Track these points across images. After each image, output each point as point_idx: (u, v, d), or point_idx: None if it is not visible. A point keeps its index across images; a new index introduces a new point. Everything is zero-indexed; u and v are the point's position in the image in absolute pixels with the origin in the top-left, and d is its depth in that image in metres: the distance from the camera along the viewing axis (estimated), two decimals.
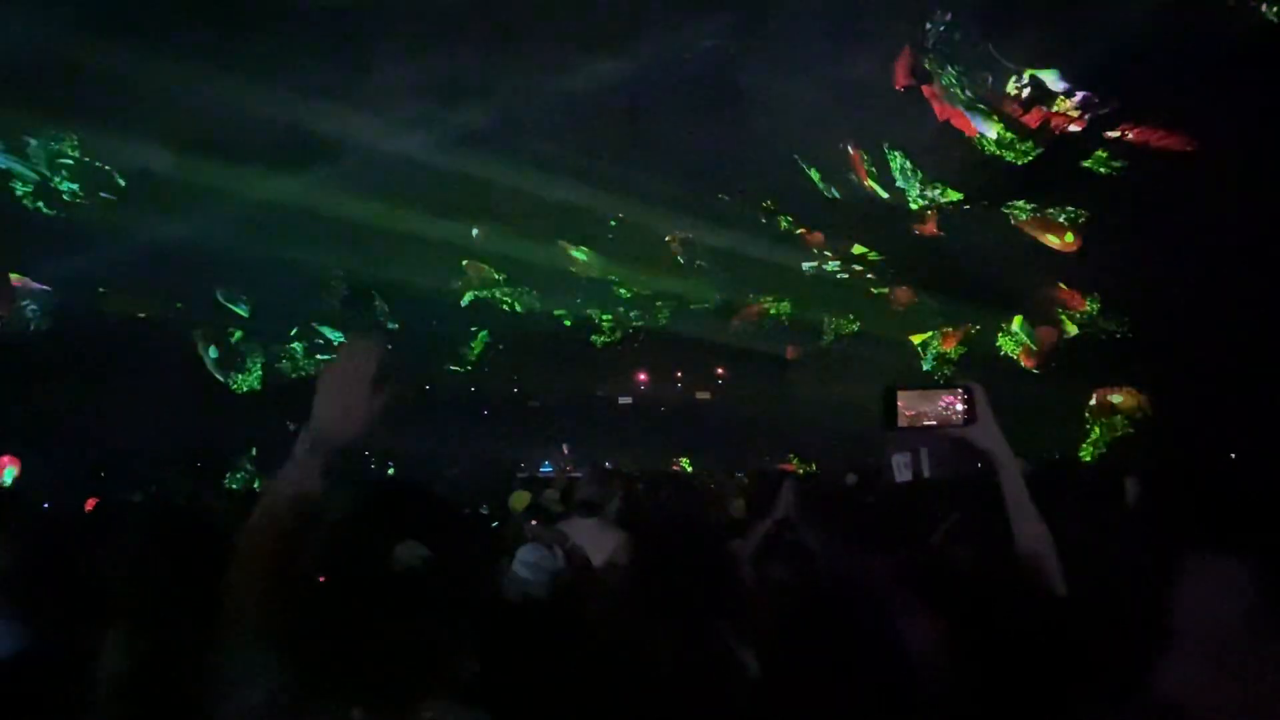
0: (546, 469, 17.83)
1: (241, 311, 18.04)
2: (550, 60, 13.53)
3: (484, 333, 20.18)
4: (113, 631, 2.74)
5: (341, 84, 13.00)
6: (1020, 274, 15.85)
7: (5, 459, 12.19)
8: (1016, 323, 17.47)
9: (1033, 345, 17.25)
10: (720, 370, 21.86)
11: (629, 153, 15.36)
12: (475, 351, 20.41)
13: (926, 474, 2.26)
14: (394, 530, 1.77)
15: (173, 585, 2.81)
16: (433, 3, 12.33)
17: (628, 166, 15.66)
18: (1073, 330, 16.59)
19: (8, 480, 11.73)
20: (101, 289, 16.35)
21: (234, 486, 15.95)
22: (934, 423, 2.37)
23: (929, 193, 15.88)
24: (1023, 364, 17.27)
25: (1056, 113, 14.11)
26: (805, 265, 18.71)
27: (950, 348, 18.08)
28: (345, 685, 1.69)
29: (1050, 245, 15.72)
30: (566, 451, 19.71)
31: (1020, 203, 15.78)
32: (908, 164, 15.52)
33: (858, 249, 18.25)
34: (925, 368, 18.17)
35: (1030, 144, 14.28)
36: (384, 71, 13.17)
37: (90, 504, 8.48)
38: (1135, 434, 15.89)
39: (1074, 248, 15.61)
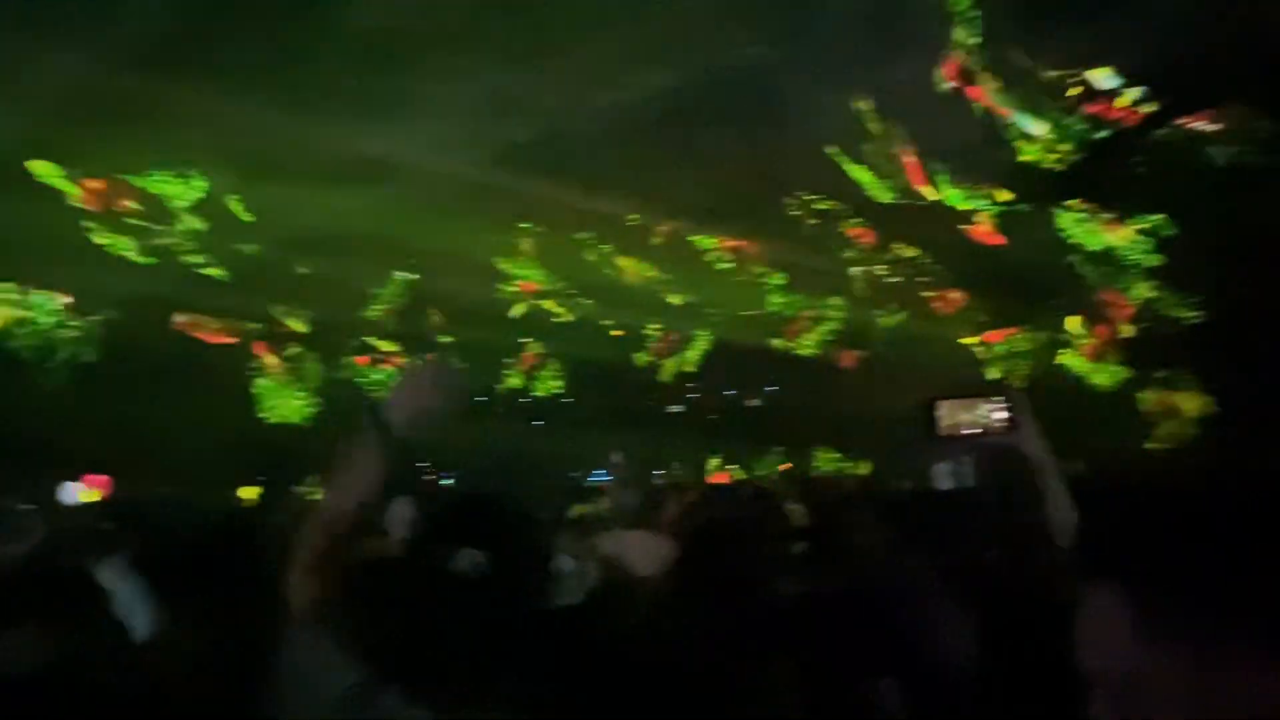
0: (598, 477, 17.89)
1: (300, 327, 18.42)
2: (593, 72, 13.64)
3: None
4: (184, 630, 2.85)
5: (389, 102, 13.23)
6: (1074, 276, 15.63)
7: (94, 478, 12.57)
8: (1072, 324, 17.21)
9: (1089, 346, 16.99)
10: (772, 377, 21.78)
11: (675, 162, 15.42)
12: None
13: (969, 482, 2.27)
14: (453, 538, 1.83)
15: (242, 587, 2.91)
16: (476, 21, 12.50)
17: (674, 175, 15.73)
18: (1129, 330, 16.29)
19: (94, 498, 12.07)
20: (173, 310, 16.82)
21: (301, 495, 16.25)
22: (976, 431, 2.39)
23: (978, 194, 15.75)
24: (1080, 366, 17.00)
25: (1109, 110, 13.93)
26: (855, 270, 18.62)
27: (999, 343, 17.82)
28: (409, 685, 1.75)
29: (1104, 245, 15.49)
30: (617, 460, 19.75)
31: (1074, 202, 15.58)
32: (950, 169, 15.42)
33: (909, 251, 18.13)
34: (990, 372, 17.94)
35: (1077, 144, 14.09)
36: (431, 89, 13.37)
37: (159, 511, 8.75)
38: (1199, 436, 15.54)
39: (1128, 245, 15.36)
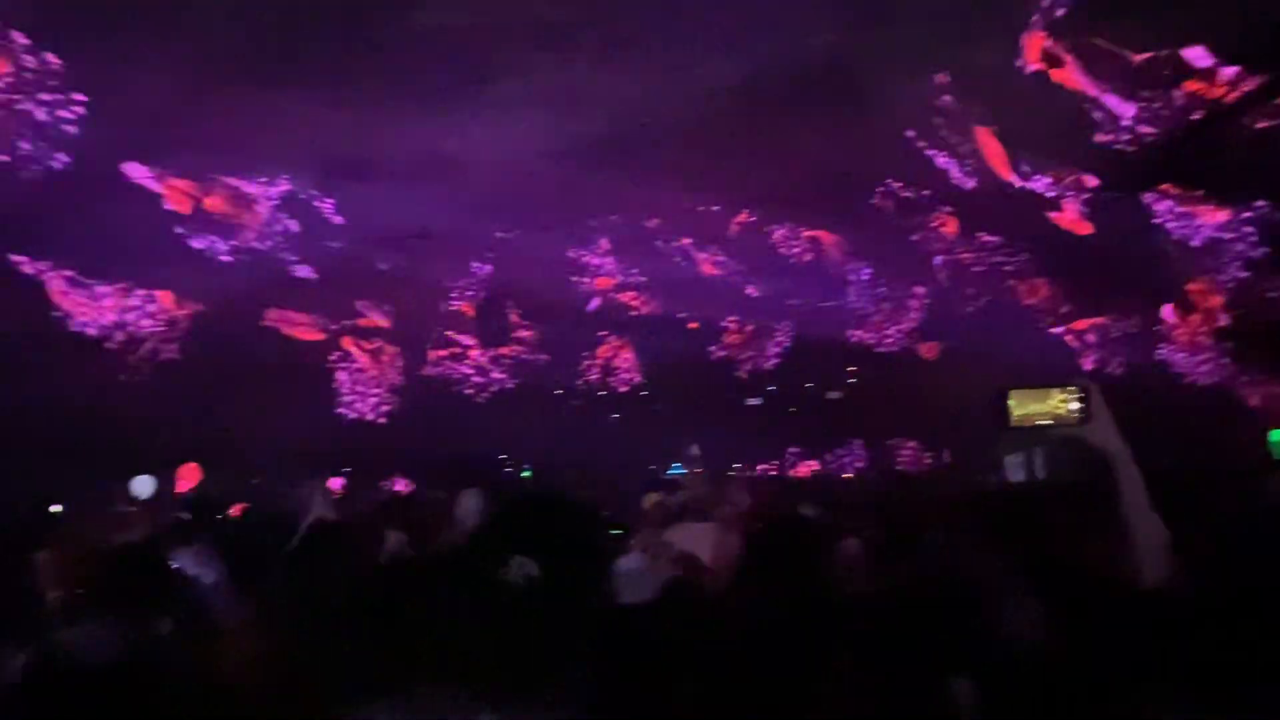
0: (676, 470, 17.91)
1: (382, 322, 18.80)
2: (669, 64, 13.60)
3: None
4: (248, 630, 2.91)
5: (465, 100, 13.38)
6: (1164, 263, 15.12)
7: (190, 467, 13.02)
8: (1166, 313, 16.67)
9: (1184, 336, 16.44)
10: (853, 369, 21.49)
11: (752, 151, 15.30)
12: None
13: (1039, 474, 2.21)
14: (508, 545, 1.82)
15: (311, 587, 2.96)
16: (546, 16, 12.57)
17: (751, 165, 15.61)
18: (1224, 320, 15.71)
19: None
20: (260, 306, 17.32)
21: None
22: (1048, 422, 2.33)
23: (1064, 179, 15.31)
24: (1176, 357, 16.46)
25: (1204, 89, 13.40)
26: (937, 259, 18.27)
27: (1087, 331, 17.34)
28: (471, 685, 1.75)
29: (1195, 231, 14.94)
30: (695, 453, 19.72)
31: (1166, 186, 15.05)
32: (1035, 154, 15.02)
33: (992, 239, 17.73)
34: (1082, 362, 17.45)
35: (1169, 126, 13.59)
36: (506, 85, 13.49)
37: (237, 509, 9.01)
38: None
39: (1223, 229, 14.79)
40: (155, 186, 15.04)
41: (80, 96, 13.31)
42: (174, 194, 15.28)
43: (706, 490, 5.69)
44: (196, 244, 15.68)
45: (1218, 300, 15.73)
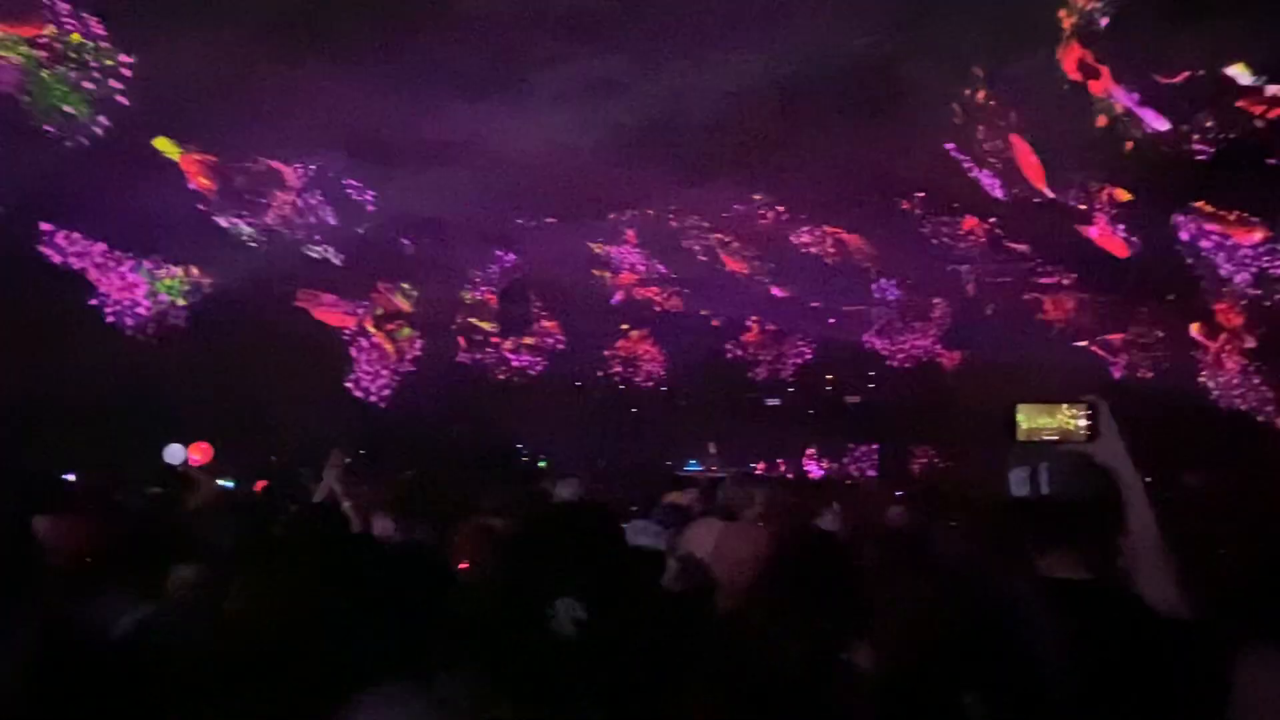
0: (693, 467, 17.93)
1: (404, 304, 18.87)
2: (702, 60, 13.57)
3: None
4: (260, 609, 2.93)
5: (496, 86, 13.41)
6: (1193, 282, 14.98)
7: (201, 444, 13.13)
8: (1195, 329, 16.53)
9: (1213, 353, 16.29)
10: (872, 373, 21.41)
11: (782, 151, 15.25)
12: None
13: (1045, 490, 2.20)
14: (555, 583, 1.75)
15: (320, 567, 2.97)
16: (583, 8, 12.57)
17: (781, 165, 15.56)
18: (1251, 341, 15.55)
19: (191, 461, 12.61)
20: (285, 286, 17.42)
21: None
22: (1055, 437, 2.32)
23: (1096, 192, 15.17)
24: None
25: (1244, 106, 13.23)
26: (964, 267, 18.16)
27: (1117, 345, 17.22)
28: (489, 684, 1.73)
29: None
30: (713, 451, 19.73)
31: (1199, 204, 14.88)
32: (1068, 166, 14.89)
33: (1021, 249, 17.59)
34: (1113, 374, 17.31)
35: (1205, 142, 13.43)
36: (538, 74, 13.51)
37: (259, 486, 9.09)
38: None
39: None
40: (183, 162, 15.17)
41: (126, 59, 13.41)
42: (201, 170, 15.40)
43: (728, 488, 5.69)
44: (222, 222, 15.81)
45: (1245, 320, 15.57)
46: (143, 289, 16.26)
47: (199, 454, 12.61)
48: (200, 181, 15.42)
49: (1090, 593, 2.23)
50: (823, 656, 2.55)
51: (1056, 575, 2.24)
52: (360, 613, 1.99)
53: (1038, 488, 2.21)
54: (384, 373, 18.70)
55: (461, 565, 4.21)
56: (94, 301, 16.00)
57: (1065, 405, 2.32)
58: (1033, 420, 2.34)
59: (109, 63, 13.48)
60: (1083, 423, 2.29)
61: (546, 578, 1.73)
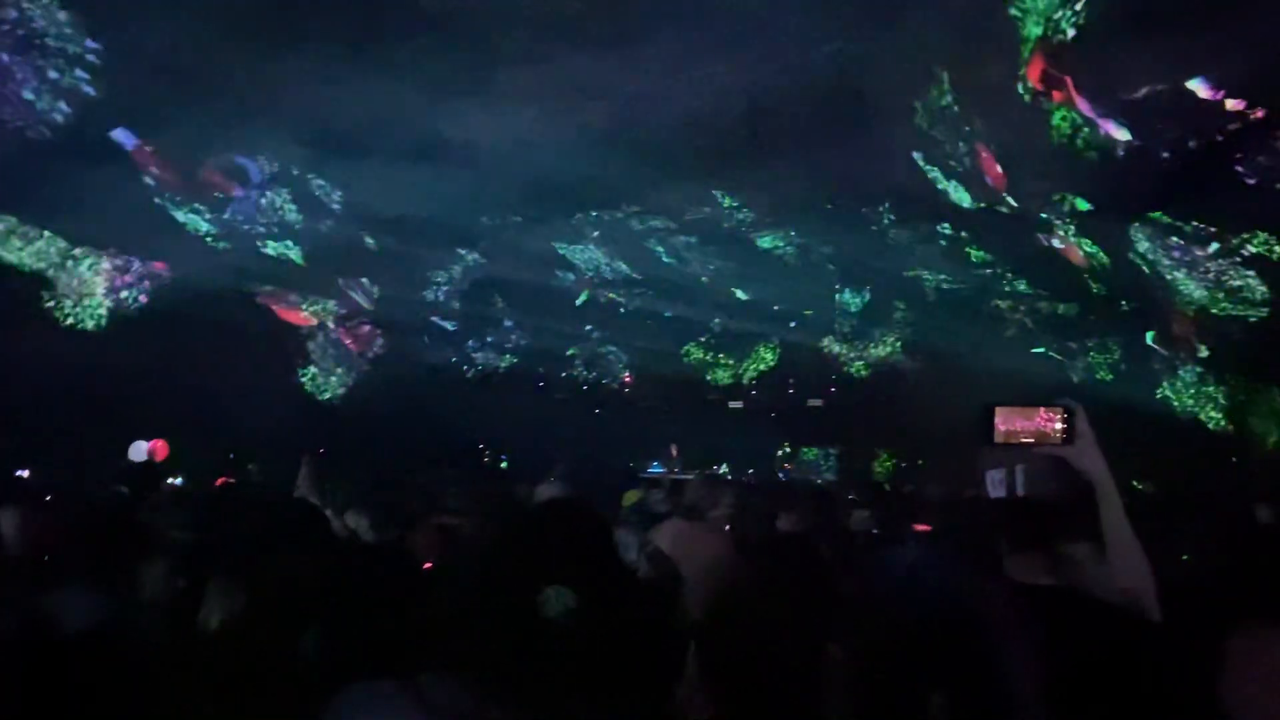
0: (655, 469, 17.92)
1: (365, 304, 18.72)
2: (671, 62, 13.57)
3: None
4: (230, 607, 2.87)
5: (464, 84, 13.33)
6: (1149, 291, 15.22)
7: (156, 442, 12.90)
8: (1150, 338, 16.82)
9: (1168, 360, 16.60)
10: (835, 376, 21.56)
11: (748, 155, 15.31)
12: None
13: (1020, 492, 2.23)
14: (544, 571, 1.74)
15: (290, 565, 2.92)
16: (555, 6, 12.54)
17: (747, 169, 15.61)
18: (1203, 351, 15.84)
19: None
20: (245, 283, 17.19)
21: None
22: (1031, 440, 2.34)
23: (1057, 202, 15.37)
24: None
25: (1205, 119, 13.45)
26: (929, 278, 18.34)
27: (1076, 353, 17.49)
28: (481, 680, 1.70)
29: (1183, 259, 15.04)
30: (675, 453, 19.76)
31: (1156, 215, 15.12)
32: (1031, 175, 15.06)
33: (979, 256, 17.78)
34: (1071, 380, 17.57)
35: (1166, 154, 13.65)
36: (506, 72, 13.44)
37: (219, 483, 8.97)
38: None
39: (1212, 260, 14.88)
40: (141, 155, 14.91)
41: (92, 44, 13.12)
42: (160, 164, 15.14)
43: (700, 491, 5.71)
44: (181, 217, 15.58)
45: (1198, 330, 15.87)
46: (100, 285, 15.98)
47: (156, 451, 12.41)
48: (159, 174, 15.17)
49: (1057, 597, 2.26)
50: (789, 655, 2.55)
51: (1026, 580, 2.26)
52: (340, 610, 1.96)
53: (1014, 489, 2.23)
54: (342, 370, 18.54)
55: (425, 565, 4.18)
56: (50, 298, 15.70)
57: (1042, 409, 2.35)
58: (1009, 423, 2.36)
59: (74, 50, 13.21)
60: (1059, 426, 2.31)
61: (536, 573, 1.72)
